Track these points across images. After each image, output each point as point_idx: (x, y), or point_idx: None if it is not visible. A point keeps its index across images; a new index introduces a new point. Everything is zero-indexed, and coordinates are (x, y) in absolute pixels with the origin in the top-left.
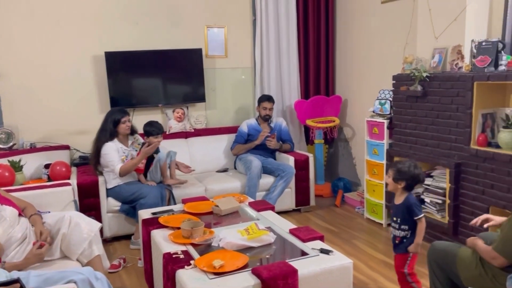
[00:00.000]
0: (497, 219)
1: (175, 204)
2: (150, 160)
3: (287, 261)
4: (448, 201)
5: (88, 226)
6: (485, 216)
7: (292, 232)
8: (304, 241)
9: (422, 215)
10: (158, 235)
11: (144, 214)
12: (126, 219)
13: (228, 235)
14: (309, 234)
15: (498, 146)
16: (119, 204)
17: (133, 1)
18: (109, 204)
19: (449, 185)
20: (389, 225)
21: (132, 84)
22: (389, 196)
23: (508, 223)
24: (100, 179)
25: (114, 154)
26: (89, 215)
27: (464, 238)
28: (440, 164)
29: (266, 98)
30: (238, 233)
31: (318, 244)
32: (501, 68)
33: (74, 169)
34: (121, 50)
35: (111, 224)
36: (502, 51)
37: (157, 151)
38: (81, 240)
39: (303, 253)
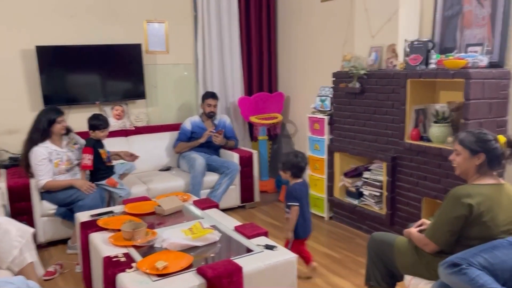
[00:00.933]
0: (428, 222)
1: (115, 205)
2: (98, 158)
3: (232, 259)
4: (385, 193)
5: (18, 232)
6: (420, 221)
7: (237, 229)
8: (249, 237)
9: (294, 204)
10: (97, 238)
11: (82, 216)
12: (63, 222)
13: (172, 235)
14: (254, 231)
15: (429, 140)
16: (54, 207)
17: None
18: (43, 208)
19: (386, 178)
20: (331, 218)
21: (67, 80)
22: (331, 190)
23: (438, 211)
24: (32, 181)
25: (44, 163)
26: (20, 220)
27: (400, 228)
28: (377, 158)
29: (210, 95)
30: (182, 232)
31: (263, 240)
32: (431, 66)
33: (2, 171)
34: (54, 45)
35: (46, 228)
36: (432, 50)
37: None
38: (11, 247)
39: (248, 250)
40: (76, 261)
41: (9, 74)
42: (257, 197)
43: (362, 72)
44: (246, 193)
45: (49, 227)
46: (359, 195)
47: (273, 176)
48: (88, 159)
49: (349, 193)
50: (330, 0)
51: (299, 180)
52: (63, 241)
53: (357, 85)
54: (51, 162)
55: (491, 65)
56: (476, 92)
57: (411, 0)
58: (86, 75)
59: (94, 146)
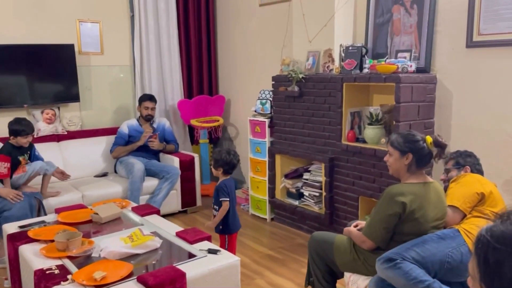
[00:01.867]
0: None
1: (45, 214)
2: (15, 163)
3: (174, 265)
4: (324, 193)
5: None
6: (355, 222)
7: (178, 234)
8: (191, 242)
9: (225, 199)
10: (27, 251)
11: (9, 228)
12: None
13: (110, 244)
14: (196, 235)
15: (364, 141)
16: None
17: None
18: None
19: (325, 178)
20: (272, 219)
21: None
22: (272, 192)
23: (373, 210)
24: None
25: None
26: None
27: (339, 227)
28: (316, 159)
29: (147, 98)
30: (121, 240)
31: (206, 244)
32: (365, 71)
33: None
34: None
35: None
36: (366, 56)
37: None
38: None
39: (191, 255)
40: (4, 275)
41: None
42: (199, 201)
43: (301, 76)
44: (188, 197)
45: None
46: (299, 195)
47: (215, 180)
48: (4, 167)
49: (290, 194)
50: (268, 4)
51: (228, 176)
52: None
53: (296, 89)
54: None
55: (418, 70)
56: (405, 95)
57: (345, 6)
58: (12, 76)
59: (11, 153)
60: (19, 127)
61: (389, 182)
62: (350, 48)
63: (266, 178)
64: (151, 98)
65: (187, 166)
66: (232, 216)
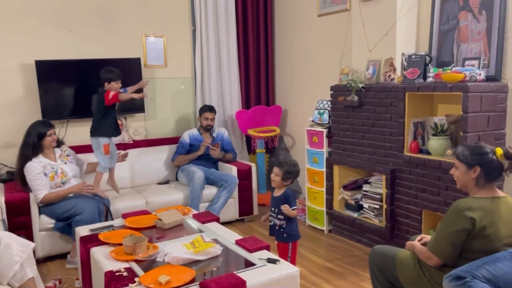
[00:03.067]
0: (428, 238)
1: (112, 219)
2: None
3: (235, 272)
4: (384, 206)
5: (20, 246)
6: (420, 236)
7: (238, 242)
8: (250, 251)
9: (296, 207)
10: (98, 253)
11: (82, 231)
12: (61, 237)
13: (174, 249)
14: (255, 244)
15: (428, 152)
16: (53, 221)
17: (66, 7)
18: (42, 222)
19: (385, 190)
20: (330, 231)
21: (65, 94)
22: (330, 203)
23: (440, 224)
24: (31, 195)
25: (39, 177)
26: (19, 235)
27: (400, 241)
28: (376, 171)
29: (207, 109)
30: (183, 246)
31: (265, 253)
32: (429, 80)
33: (0, 185)
34: (53, 59)
35: (44, 243)
36: (429, 64)
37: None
38: (12, 262)
39: (250, 264)
40: (75, 275)
41: (8, 88)
42: (255, 210)
43: (361, 85)
44: (245, 206)
45: (47, 241)
46: (358, 207)
47: (271, 189)
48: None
49: (348, 206)
50: (326, 15)
51: (287, 188)
52: (61, 256)
53: (356, 98)
54: (46, 176)
55: (488, 79)
56: (474, 105)
57: (408, 14)
58: (85, 89)
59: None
60: (112, 75)
61: (455, 195)
62: (413, 56)
63: (324, 189)
64: (210, 109)
65: (244, 175)
66: (296, 224)
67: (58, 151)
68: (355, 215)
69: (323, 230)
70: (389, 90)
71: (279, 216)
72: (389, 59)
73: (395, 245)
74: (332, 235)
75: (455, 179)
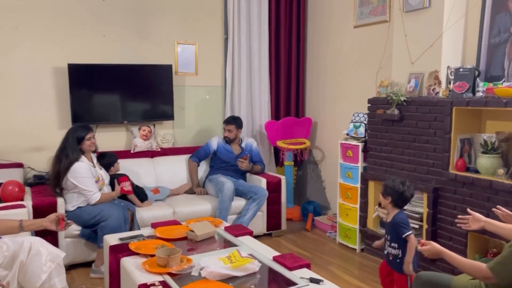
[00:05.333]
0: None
1: (138, 226)
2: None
3: None
4: (425, 226)
5: (50, 255)
6: (422, 241)
7: (276, 259)
8: (290, 269)
9: (409, 232)
10: (129, 263)
11: (111, 239)
12: (86, 244)
13: (210, 263)
14: (295, 262)
15: (476, 171)
16: (79, 228)
17: (100, 12)
18: (68, 228)
19: (427, 210)
20: (362, 250)
21: (97, 99)
22: (364, 220)
23: (510, 247)
24: (59, 201)
25: (91, 178)
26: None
27: (442, 264)
28: (417, 188)
29: (225, 120)
30: (220, 261)
31: (305, 272)
32: (479, 94)
33: (28, 189)
34: (86, 63)
35: (68, 250)
36: (477, 78)
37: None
38: (40, 271)
39: (291, 283)
40: (100, 285)
41: (40, 91)
42: (284, 224)
43: (402, 98)
44: (273, 220)
45: (72, 248)
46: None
47: (298, 203)
48: (128, 184)
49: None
50: (363, 26)
51: (399, 210)
52: (84, 264)
53: (396, 112)
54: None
55: None
56: None
57: (455, 25)
58: (115, 94)
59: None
60: (109, 160)
61: None
62: (461, 70)
63: (358, 205)
64: (228, 121)
65: (274, 187)
66: (417, 255)
67: (94, 157)
68: None
69: (355, 249)
70: (434, 105)
71: (392, 244)
72: (434, 72)
73: (436, 267)
74: (364, 254)
75: None
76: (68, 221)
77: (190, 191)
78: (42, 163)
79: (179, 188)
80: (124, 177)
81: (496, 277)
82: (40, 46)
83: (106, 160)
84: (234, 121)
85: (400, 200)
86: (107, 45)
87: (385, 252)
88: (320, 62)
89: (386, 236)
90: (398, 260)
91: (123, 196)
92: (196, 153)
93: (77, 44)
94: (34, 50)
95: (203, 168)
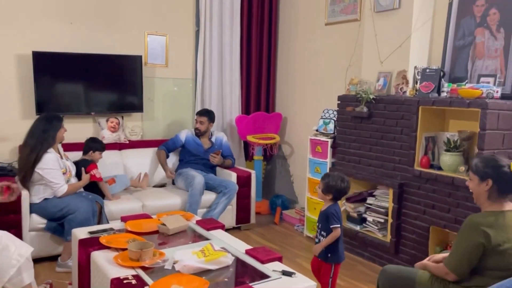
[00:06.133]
0: (438, 257)
1: (107, 219)
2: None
3: (250, 284)
4: (390, 220)
5: (18, 250)
6: (429, 257)
7: (248, 252)
8: (263, 262)
9: (337, 225)
10: (100, 257)
11: (80, 233)
12: (52, 238)
13: (184, 257)
14: (267, 255)
15: (439, 168)
16: (44, 221)
17: None
18: (32, 221)
19: (392, 204)
20: None
21: (63, 89)
22: None
23: (455, 240)
24: (24, 193)
25: (58, 170)
26: None
27: (404, 256)
28: (383, 184)
29: (198, 112)
30: (193, 254)
31: (278, 265)
32: (443, 94)
33: None
34: (51, 51)
35: (33, 244)
36: (443, 79)
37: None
38: (8, 266)
39: (264, 276)
40: (67, 280)
41: (1, 79)
42: (253, 218)
43: (371, 96)
44: (243, 214)
45: (37, 242)
46: (361, 220)
47: (266, 197)
48: (97, 172)
49: (350, 219)
50: (334, 24)
51: (335, 202)
52: (50, 258)
53: (365, 109)
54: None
55: (503, 96)
56: (491, 123)
57: (423, 27)
58: (83, 84)
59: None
60: (98, 145)
61: (467, 213)
62: (427, 70)
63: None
64: (200, 112)
65: (244, 182)
66: (341, 244)
67: (60, 148)
68: (357, 228)
69: None
70: (402, 103)
71: (322, 233)
72: (402, 72)
73: (399, 260)
74: None
75: (471, 191)
76: (13, 186)
77: (159, 185)
78: (4, 154)
79: (141, 182)
80: (93, 164)
81: (451, 271)
82: (2, 32)
83: (99, 144)
84: (207, 114)
85: (339, 195)
86: (74, 33)
87: (316, 240)
88: (291, 58)
89: (318, 224)
90: (324, 249)
91: (90, 188)
92: (164, 143)
93: (42, 31)
94: None
95: (171, 161)
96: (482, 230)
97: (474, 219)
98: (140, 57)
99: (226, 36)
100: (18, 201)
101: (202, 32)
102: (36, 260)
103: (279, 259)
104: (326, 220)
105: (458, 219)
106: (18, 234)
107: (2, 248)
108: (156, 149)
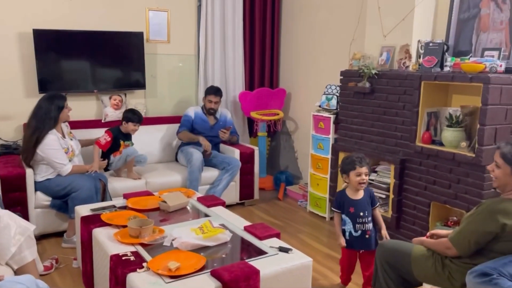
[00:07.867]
0: (443, 232)
1: (110, 197)
2: (114, 148)
3: (247, 261)
4: (392, 196)
5: (19, 228)
6: (432, 232)
7: (247, 229)
8: (260, 238)
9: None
10: (101, 234)
11: (82, 210)
12: (57, 214)
13: (182, 234)
14: (265, 232)
15: (441, 144)
16: (49, 198)
17: None
18: (37, 199)
19: (394, 180)
20: (331, 218)
21: (64, 66)
22: (333, 190)
23: (467, 219)
24: (28, 171)
25: (60, 150)
26: (14, 211)
27: (406, 232)
28: (385, 160)
29: (213, 91)
30: (192, 231)
31: (275, 241)
32: (446, 69)
33: None
34: (52, 29)
35: (39, 220)
36: (446, 53)
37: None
38: (9, 244)
39: (261, 252)
40: (72, 255)
41: (4, 57)
42: (256, 194)
43: (373, 72)
44: (246, 190)
45: (43, 219)
46: None
47: (271, 173)
48: (104, 139)
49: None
50: None
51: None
52: (56, 234)
53: (367, 85)
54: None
55: (507, 70)
56: (494, 97)
57: (427, 0)
58: (84, 62)
59: (117, 135)
60: (133, 116)
61: (467, 189)
62: (431, 44)
63: (328, 176)
64: (216, 92)
65: (247, 158)
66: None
67: (64, 127)
68: None
69: (324, 217)
70: (404, 78)
71: (369, 219)
72: (405, 46)
73: (400, 235)
74: (333, 223)
75: (492, 177)
76: None
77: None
78: (8, 132)
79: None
80: (109, 132)
81: (455, 247)
82: (2, 10)
83: (132, 113)
84: (221, 93)
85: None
86: (75, 9)
87: (356, 234)
88: (294, 33)
89: (362, 214)
90: (373, 234)
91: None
92: (180, 126)
93: (42, 8)
94: None
95: (175, 140)
96: (500, 221)
97: (492, 205)
98: (142, 33)
99: (229, 11)
100: (23, 179)
101: (204, 7)
102: (43, 236)
103: (277, 236)
104: (371, 203)
105: (459, 195)
106: (24, 211)
107: (3, 227)
108: (160, 126)
